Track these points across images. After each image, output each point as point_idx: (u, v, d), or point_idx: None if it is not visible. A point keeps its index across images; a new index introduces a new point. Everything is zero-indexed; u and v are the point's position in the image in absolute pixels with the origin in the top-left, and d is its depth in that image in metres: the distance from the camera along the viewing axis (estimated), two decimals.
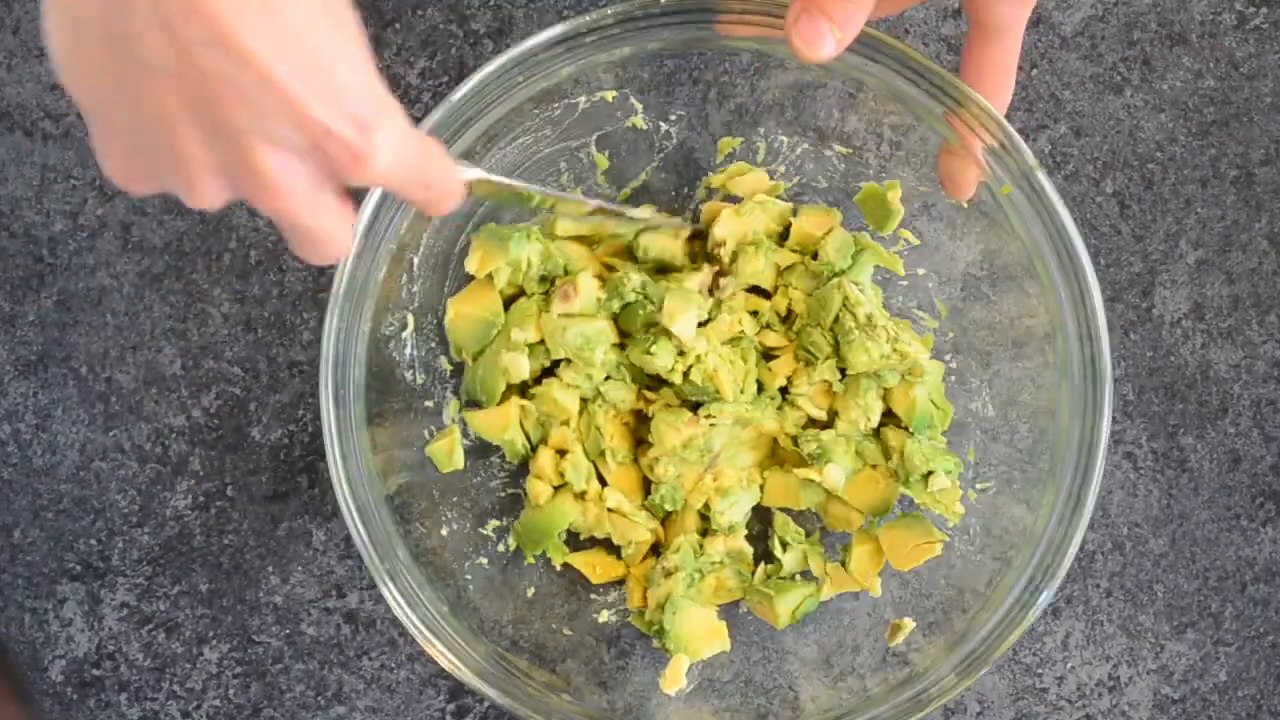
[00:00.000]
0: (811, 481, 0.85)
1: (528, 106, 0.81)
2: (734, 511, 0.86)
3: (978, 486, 0.86)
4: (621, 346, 0.86)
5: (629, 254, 0.88)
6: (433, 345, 0.87)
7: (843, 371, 0.86)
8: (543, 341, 0.86)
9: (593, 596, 0.89)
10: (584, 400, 0.87)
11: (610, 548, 0.90)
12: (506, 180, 0.72)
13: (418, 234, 0.83)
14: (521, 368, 0.85)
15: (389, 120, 0.55)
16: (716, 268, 0.86)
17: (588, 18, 0.78)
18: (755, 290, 0.88)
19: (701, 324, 0.85)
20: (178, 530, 0.91)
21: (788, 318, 0.88)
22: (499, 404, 0.87)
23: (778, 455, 0.89)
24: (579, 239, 0.88)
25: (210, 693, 0.91)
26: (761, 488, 0.88)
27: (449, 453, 0.86)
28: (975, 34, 0.74)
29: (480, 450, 0.89)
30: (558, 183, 0.88)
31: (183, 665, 0.91)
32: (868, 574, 0.86)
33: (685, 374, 0.83)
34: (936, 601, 0.84)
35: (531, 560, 0.88)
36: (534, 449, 0.88)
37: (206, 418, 0.92)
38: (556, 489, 0.87)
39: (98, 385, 0.92)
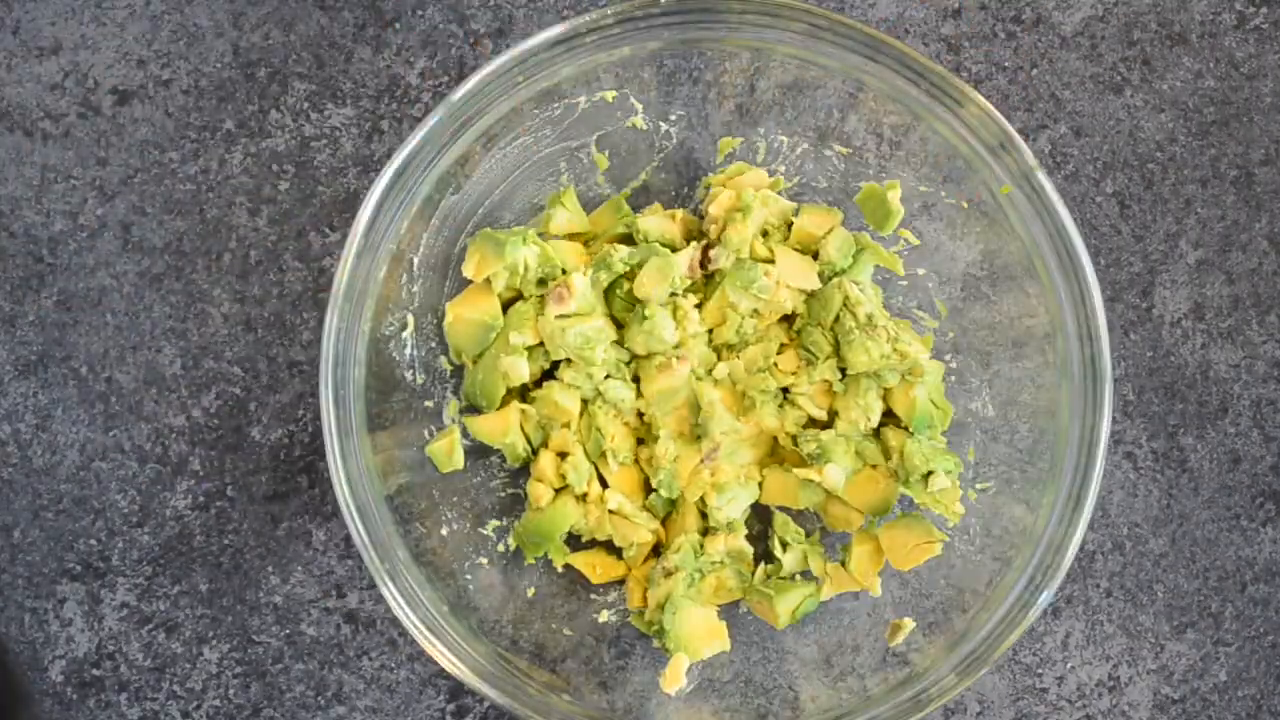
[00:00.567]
0: (811, 481, 0.85)
1: (528, 106, 0.81)
2: (732, 508, 0.86)
3: (978, 486, 0.86)
4: (620, 343, 0.86)
5: (628, 242, 0.89)
6: (433, 345, 0.87)
7: (843, 371, 0.86)
8: (541, 344, 0.86)
9: (593, 596, 0.89)
10: (584, 401, 0.87)
11: (611, 548, 0.90)
12: None
13: (418, 234, 0.83)
14: (521, 371, 0.85)
15: None
16: (705, 242, 0.86)
17: (588, 18, 0.78)
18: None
19: (697, 305, 0.86)
20: (178, 530, 0.91)
21: (791, 319, 0.88)
22: (499, 408, 0.87)
23: (777, 454, 0.89)
24: (573, 236, 0.88)
25: (210, 693, 0.91)
26: (761, 486, 0.88)
27: (449, 453, 0.86)
28: None
29: (480, 450, 0.89)
30: (557, 182, 0.88)
31: (183, 665, 0.91)
32: (868, 574, 0.86)
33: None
34: (936, 601, 0.84)
35: (532, 560, 0.88)
36: (535, 452, 0.88)
37: (206, 418, 0.92)
38: (558, 491, 0.87)
39: (98, 385, 0.92)
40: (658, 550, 0.89)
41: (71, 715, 0.91)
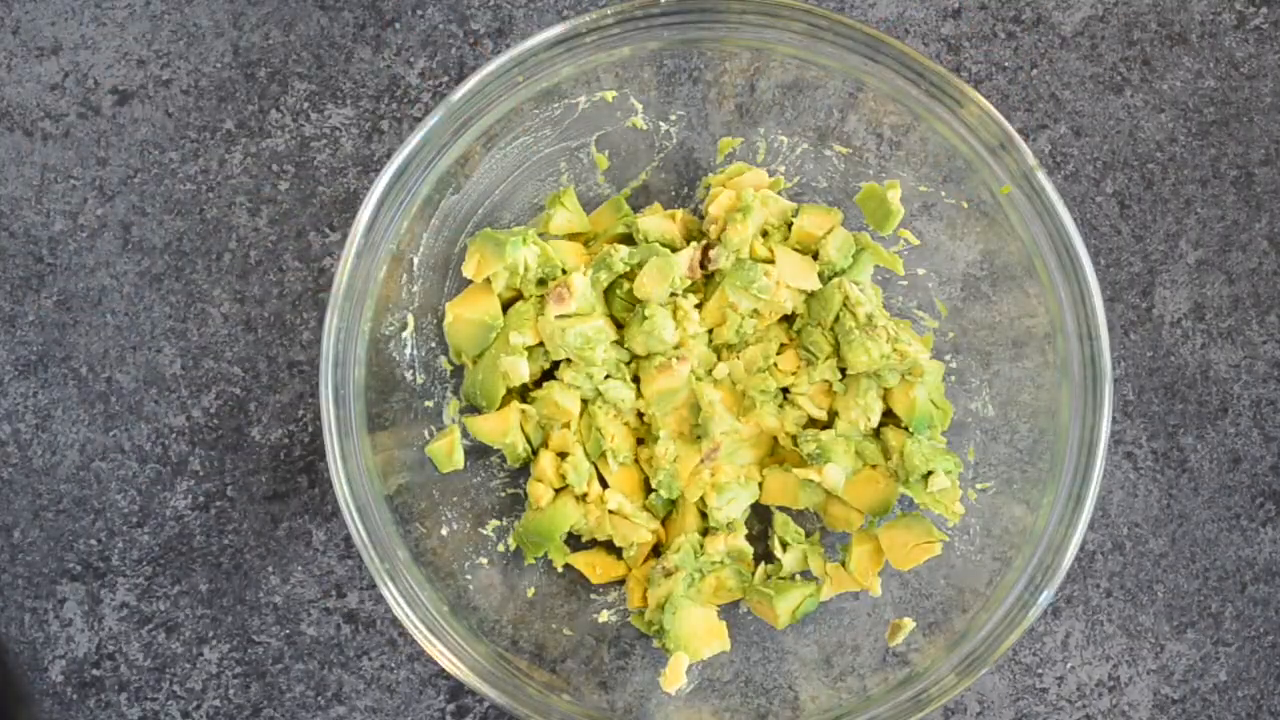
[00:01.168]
0: (811, 481, 0.85)
1: (528, 106, 0.81)
2: (732, 508, 0.86)
3: (978, 486, 0.86)
4: (620, 343, 0.86)
5: (628, 242, 0.89)
6: (433, 345, 0.87)
7: (843, 371, 0.86)
8: (541, 344, 0.86)
9: (593, 596, 0.89)
10: (584, 401, 0.87)
11: (611, 548, 0.90)
12: None
13: (418, 234, 0.83)
14: (521, 371, 0.85)
15: None
16: (705, 242, 0.86)
17: (588, 18, 0.78)
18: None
19: (697, 305, 0.86)
20: (178, 530, 0.91)
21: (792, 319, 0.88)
22: (499, 408, 0.87)
23: (777, 454, 0.89)
24: (573, 236, 0.88)
25: (210, 693, 0.91)
26: (761, 486, 0.88)
27: (449, 453, 0.86)
28: None
29: (480, 450, 0.89)
30: (557, 182, 0.88)
31: (183, 665, 0.91)
32: (868, 574, 0.86)
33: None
34: (936, 601, 0.84)
35: (532, 560, 0.88)
36: (535, 452, 0.88)
37: (206, 418, 0.92)
38: (558, 492, 0.87)
39: (98, 385, 0.92)
40: (658, 550, 0.89)
41: (71, 715, 0.91)
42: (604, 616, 0.89)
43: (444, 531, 0.85)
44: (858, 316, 0.83)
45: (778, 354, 0.87)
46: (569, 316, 0.85)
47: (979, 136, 0.79)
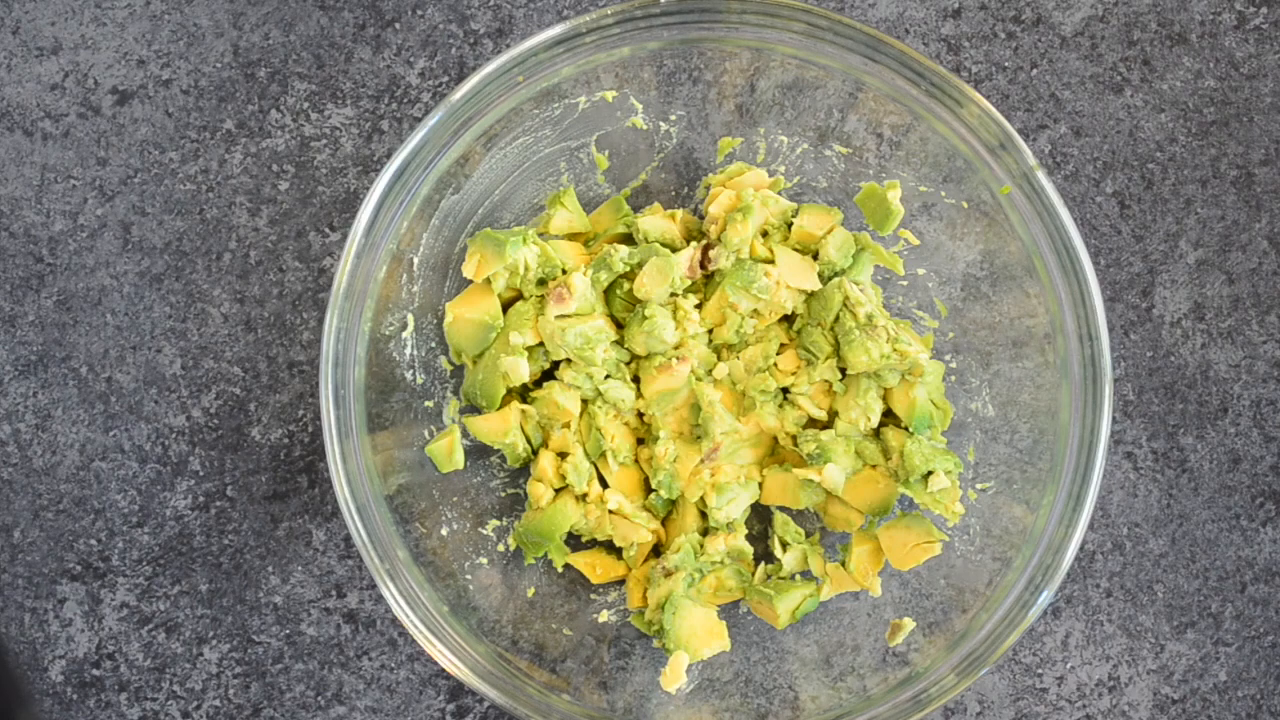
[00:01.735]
0: (811, 481, 0.85)
1: (528, 106, 0.81)
2: (732, 508, 0.86)
3: (978, 486, 0.86)
4: (620, 343, 0.86)
5: (629, 242, 0.89)
6: (433, 345, 0.87)
7: (843, 371, 0.86)
8: (541, 344, 0.86)
9: (593, 596, 0.89)
10: (584, 401, 0.87)
11: (611, 548, 0.90)
12: None
13: (418, 234, 0.83)
14: (521, 371, 0.85)
15: None
16: (705, 242, 0.86)
17: (588, 18, 0.78)
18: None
19: (697, 305, 0.86)
20: (178, 530, 0.91)
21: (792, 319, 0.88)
22: (499, 408, 0.87)
23: (777, 454, 0.89)
24: (573, 236, 0.88)
25: (210, 693, 0.91)
26: (761, 486, 0.88)
27: (449, 453, 0.86)
28: None
29: (480, 450, 0.89)
30: (557, 182, 0.88)
31: (183, 665, 0.91)
32: (868, 574, 0.86)
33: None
34: (936, 601, 0.84)
35: (532, 560, 0.88)
36: (535, 452, 0.88)
37: (206, 418, 0.92)
38: (558, 492, 0.87)
39: (98, 385, 0.92)
40: (658, 550, 0.89)
41: (71, 715, 0.91)
42: (604, 616, 0.89)
43: (444, 531, 0.85)
44: (858, 316, 0.83)
45: (778, 354, 0.87)
46: (569, 316, 0.85)
47: (979, 136, 0.79)
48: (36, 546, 0.91)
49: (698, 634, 0.85)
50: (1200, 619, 0.92)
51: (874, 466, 0.86)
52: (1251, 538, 0.92)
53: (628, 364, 0.87)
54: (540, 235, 0.87)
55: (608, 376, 0.86)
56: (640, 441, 0.89)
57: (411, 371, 0.86)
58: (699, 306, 0.86)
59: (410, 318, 0.85)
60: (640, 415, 0.88)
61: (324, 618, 0.91)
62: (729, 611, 0.88)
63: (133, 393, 0.92)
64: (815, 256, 0.87)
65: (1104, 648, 0.92)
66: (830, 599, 0.87)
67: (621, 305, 0.86)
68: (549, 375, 0.88)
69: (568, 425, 0.86)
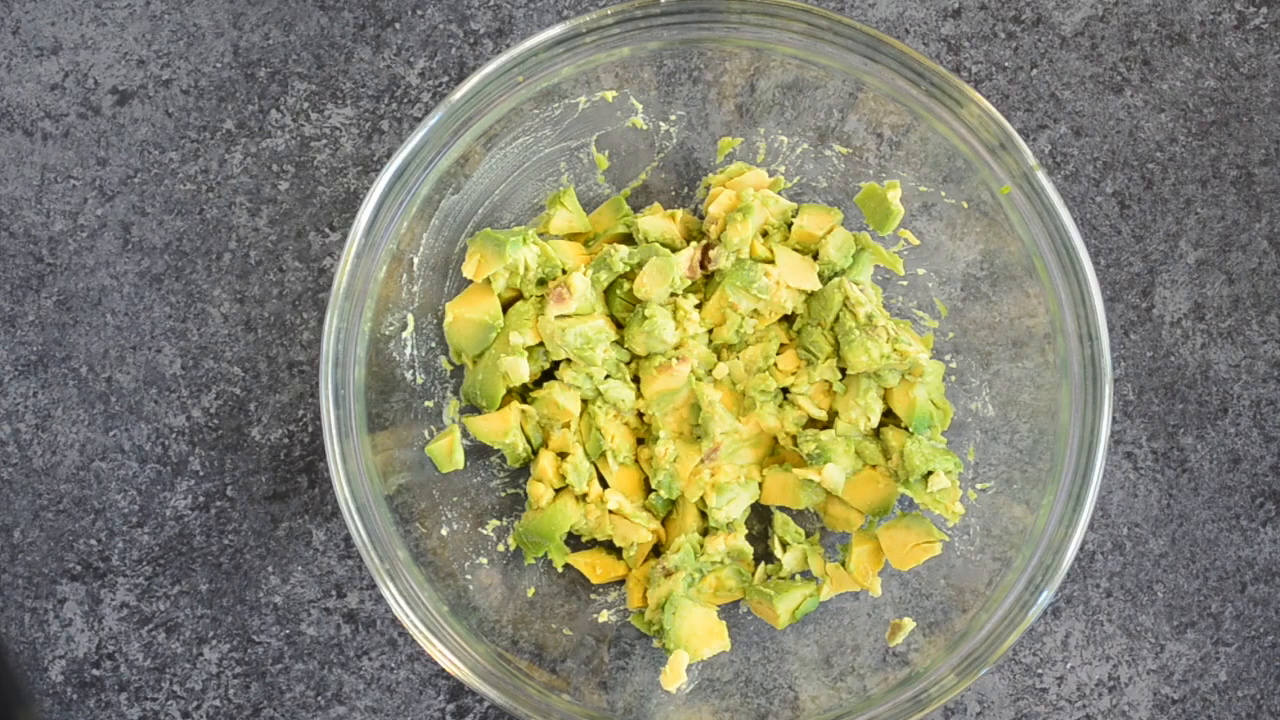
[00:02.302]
0: (811, 481, 0.85)
1: (528, 106, 0.81)
2: (732, 508, 0.86)
3: (978, 486, 0.86)
4: (620, 343, 0.86)
5: (629, 242, 0.89)
6: (433, 345, 0.87)
7: (843, 371, 0.86)
8: (541, 344, 0.86)
9: (593, 596, 0.89)
10: (584, 401, 0.87)
11: (611, 548, 0.90)
12: None
13: (418, 234, 0.83)
14: (521, 371, 0.85)
15: None
16: (705, 242, 0.87)
17: (588, 18, 0.78)
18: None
19: (697, 305, 0.85)
20: (178, 530, 0.91)
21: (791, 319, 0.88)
22: (499, 408, 0.87)
23: (777, 454, 0.89)
24: (573, 236, 0.88)
25: (210, 693, 0.91)
26: (761, 486, 0.88)
27: (449, 453, 0.86)
28: None
29: (480, 450, 0.89)
30: (557, 182, 0.88)
31: (183, 665, 0.91)
32: (868, 574, 0.86)
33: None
34: (936, 601, 0.84)
35: (532, 560, 0.88)
36: (535, 452, 0.88)
37: (206, 418, 0.92)
38: (558, 492, 0.87)
39: (98, 385, 0.92)
40: (658, 550, 0.89)
41: (71, 715, 0.91)
42: (604, 616, 0.89)
43: (444, 531, 0.85)
44: (858, 316, 0.83)
45: (778, 354, 0.87)
46: (569, 316, 0.85)
47: (979, 136, 0.79)
48: (36, 546, 0.91)
49: (698, 634, 0.85)
50: (1200, 619, 0.92)
51: (874, 466, 0.86)
52: (1251, 538, 0.92)
53: (628, 364, 0.87)
54: (540, 235, 0.87)
55: (608, 376, 0.86)
56: (640, 441, 0.89)
57: (411, 371, 0.86)
58: (699, 306, 0.86)
59: (410, 318, 0.85)
60: (640, 415, 0.88)
61: (324, 618, 0.91)
62: (729, 611, 0.88)
63: (133, 393, 0.92)
64: (815, 256, 0.87)
65: (1104, 648, 0.92)
66: (830, 599, 0.87)
67: (621, 305, 0.86)
68: (549, 375, 0.88)
69: (568, 425, 0.86)
